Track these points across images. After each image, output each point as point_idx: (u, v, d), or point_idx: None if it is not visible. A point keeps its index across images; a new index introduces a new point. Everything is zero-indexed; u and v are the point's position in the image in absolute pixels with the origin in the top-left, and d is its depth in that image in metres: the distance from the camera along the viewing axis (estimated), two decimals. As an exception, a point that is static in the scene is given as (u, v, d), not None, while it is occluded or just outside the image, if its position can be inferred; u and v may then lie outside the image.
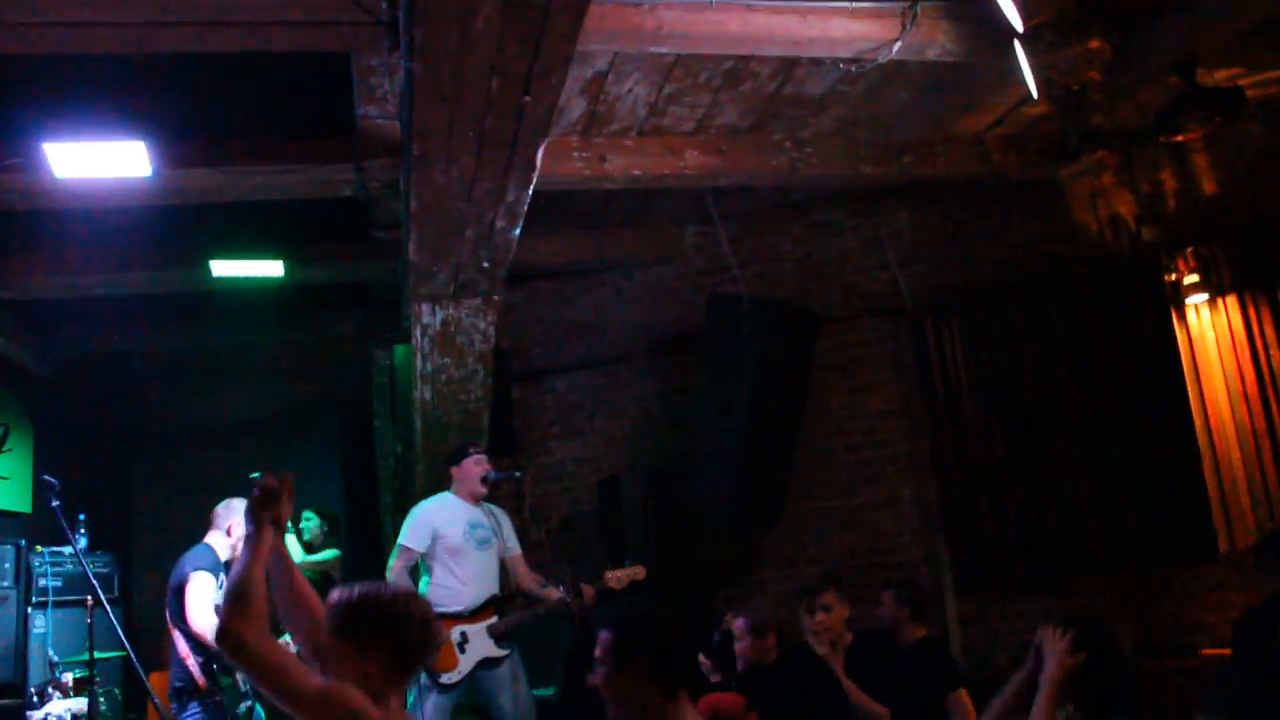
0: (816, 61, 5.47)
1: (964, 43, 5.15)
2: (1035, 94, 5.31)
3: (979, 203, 7.24)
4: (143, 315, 8.34)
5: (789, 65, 5.54)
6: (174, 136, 5.49)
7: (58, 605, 7.00)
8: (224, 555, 5.85)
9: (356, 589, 2.74)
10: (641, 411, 7.93)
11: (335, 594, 2.76)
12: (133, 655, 4.76)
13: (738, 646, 5.09)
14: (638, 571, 5.92)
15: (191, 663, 5.46)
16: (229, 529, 5.85)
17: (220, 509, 5.90)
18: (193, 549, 5.66)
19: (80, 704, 5.50)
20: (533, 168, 4.78)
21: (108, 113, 5.18)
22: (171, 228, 6.73)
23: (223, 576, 5.75)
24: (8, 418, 7.74)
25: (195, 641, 5.47)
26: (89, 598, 5.33)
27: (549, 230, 7.39)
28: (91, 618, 4.56)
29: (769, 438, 6.82)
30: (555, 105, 4.39)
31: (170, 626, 5.49)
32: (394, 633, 2.66)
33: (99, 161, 5.33)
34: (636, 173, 6.18)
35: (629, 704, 2.93)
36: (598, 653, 2.97)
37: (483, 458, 6.17)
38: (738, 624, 5.13)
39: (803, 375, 7.04)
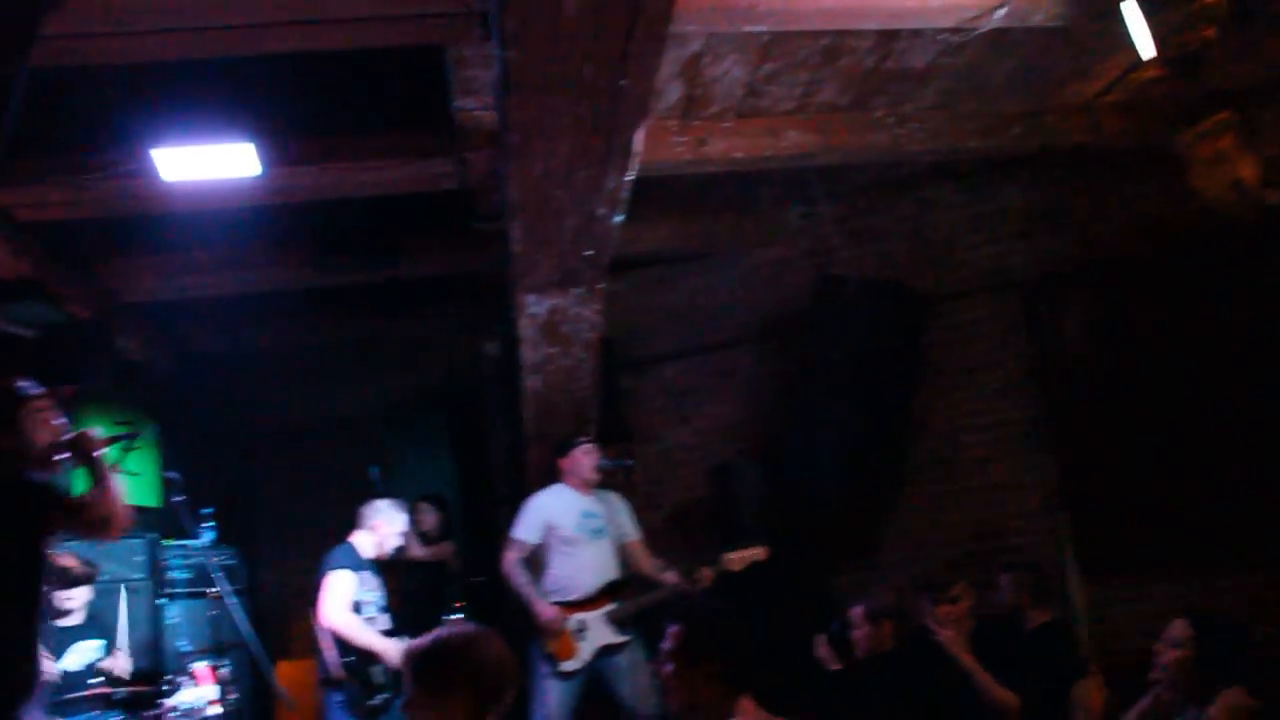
0: (917, 33, 5.33)
1: (1071, 6, 4.98)
2: (1147, 56, 5.10)
3: (1092, 173, 6.95)
4: (259, 313, 8.54)
5: (889, 38, 5.41)
6: (278, 136, 5.60)
7: (187, 597, 7.18)
8: (368, 553, 6.06)
9: (432, 636, 2.75)
10: (751, 397, 7.84)
11: (412, 643, 2.79)
12: (252, 647, 4.87)
13: (854, 634, 5.04)
14: (758, 553, 5.88)
15: (329, 654, 5.64)
16: (374, 526, 6.07)
17: (366, 509, 6.14)
18: (337, 547, 5.88)
19: (210, 692, 5.66)
20: (631, 153, 4.74)
21: (214, 115, 5.31)
22: (280, 227, 6.87)
23: (365, 574, 5.93)
24: (135, 416, 7.98)
25: (333, 634, 5.66)
26: (210, 590, 5.46)
27: (652, 216, 7.36)
28: (216, 609, 4.69)
29: (880, 420, 6.71)
30: (651, 89, 4.36)
31: (317, 618, 5.69)
32: (472, 678, 2.65)
33: (207, 164, 5.47)
34: (737, 155, 6.09)
35: (693, 701, 2.90)
36: (666, 645, 2.95)
37: (591, 447, 6.20)
38: (855, 612, 5.08)
39: (914, 355, 6.90)
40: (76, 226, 6.38)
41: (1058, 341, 6.94)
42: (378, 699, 5.69)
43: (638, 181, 6.04)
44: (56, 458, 3.61)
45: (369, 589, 5.93)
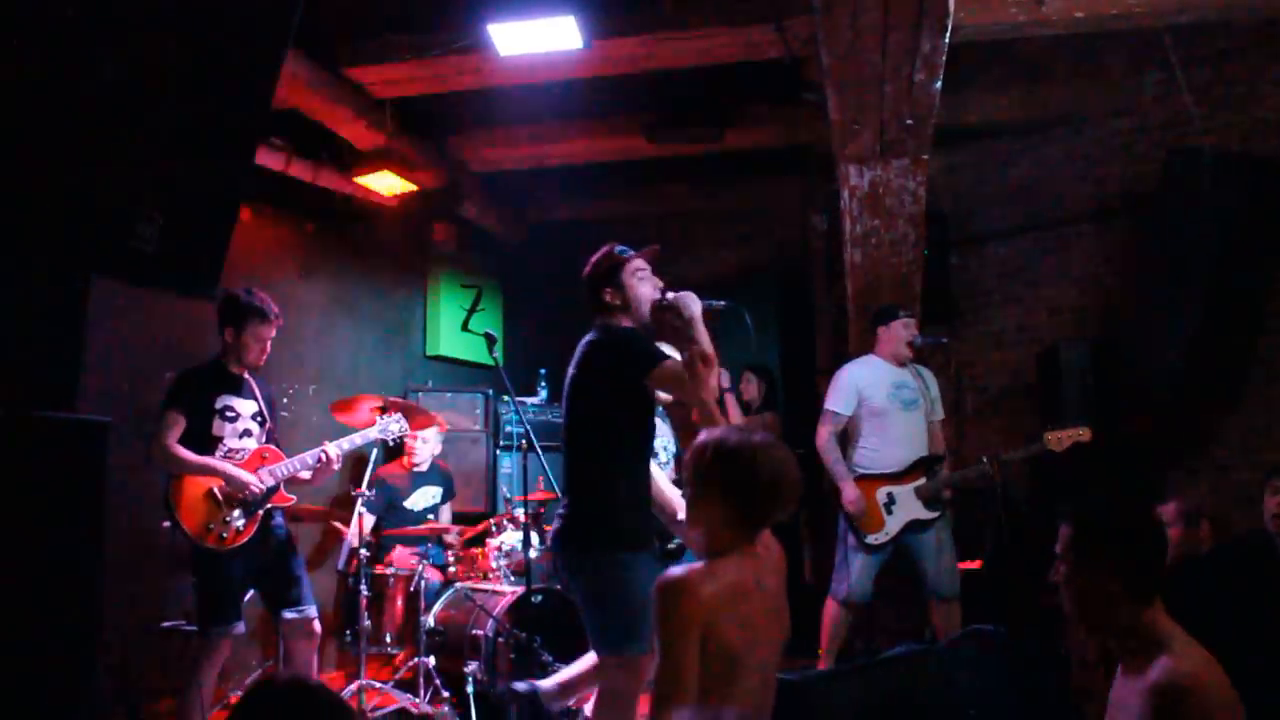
0: None
1: None
2: None
3: None
4: (596, 184, 8.84)
5: None
6: (602, 9, 5.71)
7: (520, 449, 7.67)
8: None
9: (712, 437, 2.72)
10: (1088, 278, 7.35)
11: (697, 440, 2.76)
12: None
13: (1169, 533, 4.68)
14: (1082, 433, 5.51)
15: None
16: None
17: None
18: None
19: (530, 537, 6.07)
20: (945, 14, 4.52)
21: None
22: (611, 99, 7.04)
23: (661, 424, 6.10)
24: (481, 281, 8.53)
25: None
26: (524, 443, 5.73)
27: (990, 85, 6.99)
28: (525, 461, 5.03)
29: (1228, 307, 6.12)
30: (963, -57, 4.10)
31: None
32: (741, 486, 2.64)
33: (536, 37, 5.66)
34: (1079, 15, 5.56)
35: (1092, 606, 2.59)
36: (1058, 548, 2.66)
37: (911, 321, 6.06)
38: (1168, 509, 4.71)
39: (1273, 238, 6.22)
40: (425, 102, 6.80)
41: None
42: (673, 544, 5.85)
43: (971, 47, 5.73)
44: (658, 309, 3.82)
45: (662, 437, 6.07)
